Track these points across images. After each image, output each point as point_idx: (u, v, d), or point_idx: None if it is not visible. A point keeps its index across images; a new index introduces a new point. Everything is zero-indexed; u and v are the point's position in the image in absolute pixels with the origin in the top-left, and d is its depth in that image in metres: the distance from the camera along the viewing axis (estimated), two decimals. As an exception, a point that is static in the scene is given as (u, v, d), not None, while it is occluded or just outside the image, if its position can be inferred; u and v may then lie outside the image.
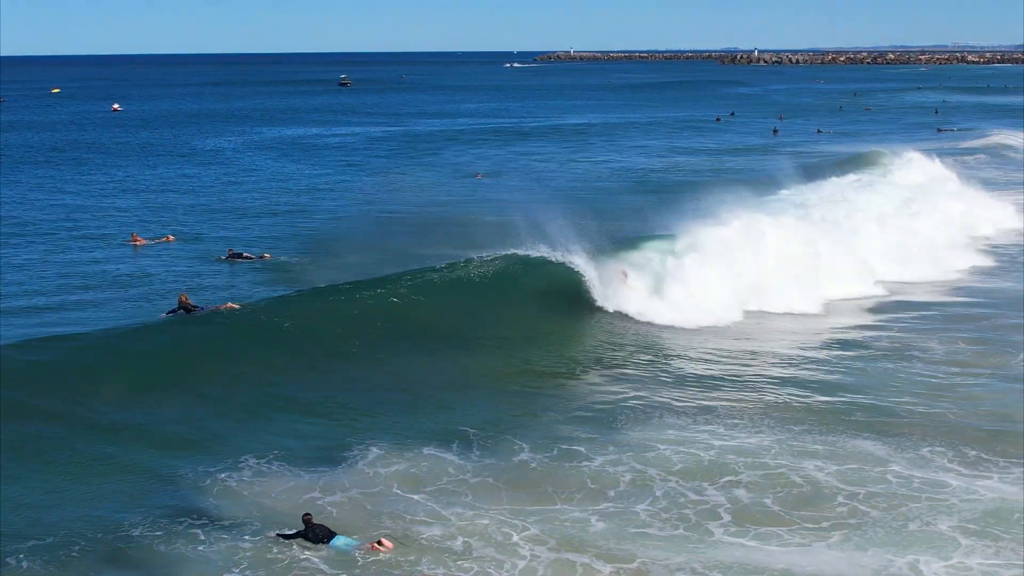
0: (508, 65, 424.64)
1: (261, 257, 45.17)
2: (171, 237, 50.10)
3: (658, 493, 21.90)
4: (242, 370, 28.81)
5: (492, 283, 36.17)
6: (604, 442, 24.52)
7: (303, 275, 41.90)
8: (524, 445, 24.41)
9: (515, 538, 20.04)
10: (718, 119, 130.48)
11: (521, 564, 19.14)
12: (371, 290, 34.76)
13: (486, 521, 20.65)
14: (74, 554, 19.36)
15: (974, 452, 23.86)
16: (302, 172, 77.57)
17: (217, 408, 26.59)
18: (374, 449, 24.09)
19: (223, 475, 22.71)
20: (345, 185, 70.40)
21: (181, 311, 33.39)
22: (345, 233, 51.72)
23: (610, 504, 21.47)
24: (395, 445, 24.35)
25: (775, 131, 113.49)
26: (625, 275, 37.26)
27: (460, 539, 20.01)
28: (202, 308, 33.64)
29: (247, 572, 18.94)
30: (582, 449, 24.14)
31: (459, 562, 19.22)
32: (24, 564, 18.96)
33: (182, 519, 20.68)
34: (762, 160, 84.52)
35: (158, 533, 20.15)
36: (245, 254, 45.38)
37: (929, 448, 24.13)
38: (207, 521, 20.66)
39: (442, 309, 34.08)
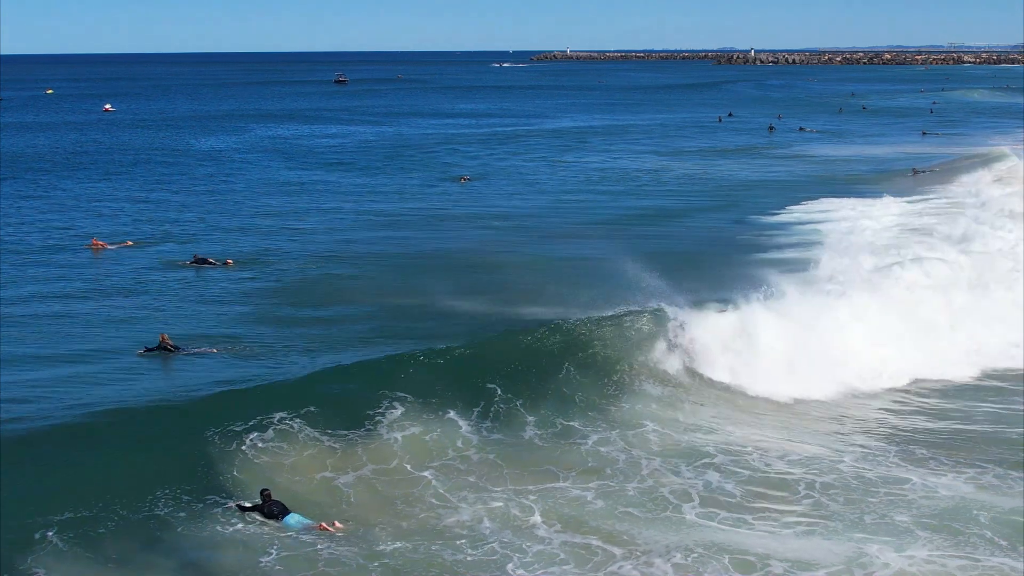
0: (496, 65, 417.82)
1: (224, 263, 44.28)
2: (130, 242, 49.20)
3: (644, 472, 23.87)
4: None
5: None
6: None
7: (267, 283, 41.36)
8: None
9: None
10: (720, 119, 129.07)
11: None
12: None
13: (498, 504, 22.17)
14: (101, 531, 20.20)
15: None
16: (288, 176, 76.52)
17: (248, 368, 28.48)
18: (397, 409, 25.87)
19: (252, 435, 23.95)
20: (329, 189, 69.66)
21: (160, 351, 31.69)
22: (320, 238, 51.19)
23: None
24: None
25: (771, 128, 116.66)
26: None
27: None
28: (184, 349, 31.80)
29: (278, 554, 19.75)
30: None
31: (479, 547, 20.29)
32: (54, 540, 19.71)
33: (208, 496, 21.67)
34: (774, 165, 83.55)
35: (181, 514, 21.06)
36: (210, 260, 44.52)
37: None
38: (228, 499, 21.70)
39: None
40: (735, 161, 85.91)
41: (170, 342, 31.79)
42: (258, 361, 30.38)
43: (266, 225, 54.68)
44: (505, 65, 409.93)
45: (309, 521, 20.80)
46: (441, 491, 22.65)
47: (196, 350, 31.71)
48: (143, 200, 63.92)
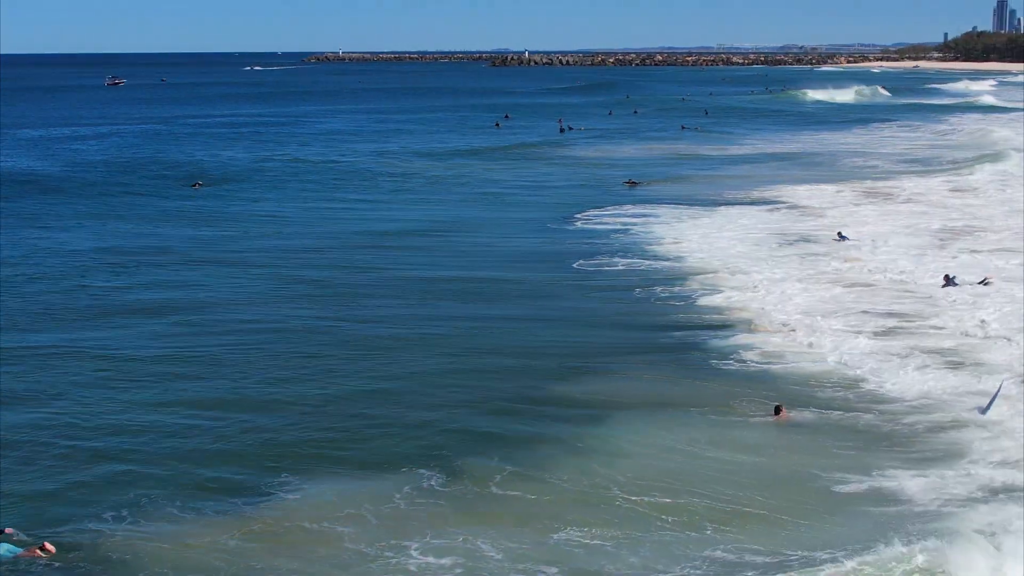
0: (248, 68, 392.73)
1: None
2: None
3: None
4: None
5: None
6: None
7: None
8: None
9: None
10: (497, 124, 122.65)
11: None
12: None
13: None
14: None
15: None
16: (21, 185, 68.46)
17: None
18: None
19: None
20: (57, 192, 64.83)
21: None
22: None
23: None
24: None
25: (561, 130, 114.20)
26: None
27: None
28: None
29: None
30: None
31: None
32: None
33: None
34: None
35: None
36: None
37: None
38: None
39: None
40: (521, 164, 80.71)
41: None
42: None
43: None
44: (258, 68, 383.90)
45: (19, 549, 20.24)
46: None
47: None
48: None
